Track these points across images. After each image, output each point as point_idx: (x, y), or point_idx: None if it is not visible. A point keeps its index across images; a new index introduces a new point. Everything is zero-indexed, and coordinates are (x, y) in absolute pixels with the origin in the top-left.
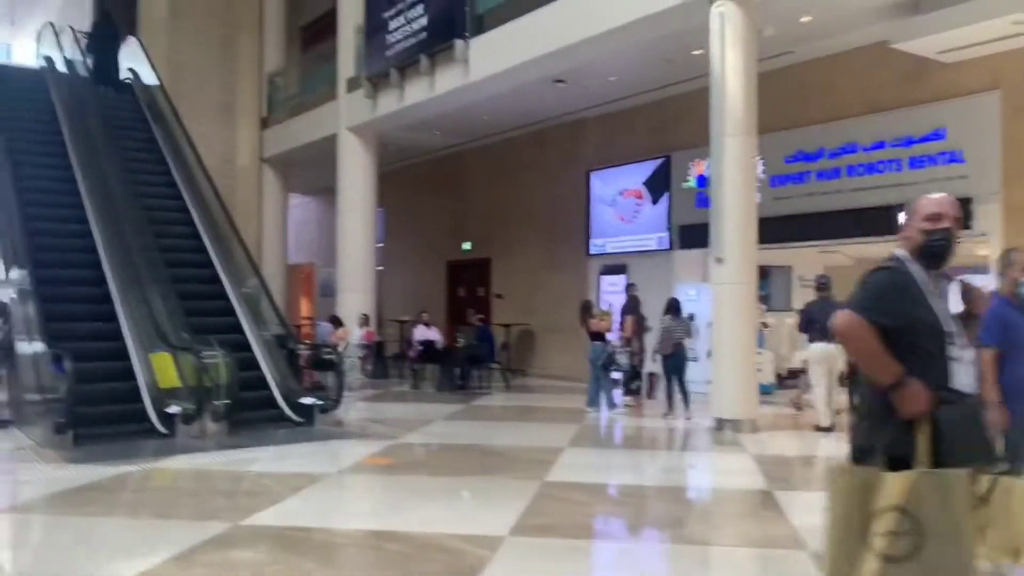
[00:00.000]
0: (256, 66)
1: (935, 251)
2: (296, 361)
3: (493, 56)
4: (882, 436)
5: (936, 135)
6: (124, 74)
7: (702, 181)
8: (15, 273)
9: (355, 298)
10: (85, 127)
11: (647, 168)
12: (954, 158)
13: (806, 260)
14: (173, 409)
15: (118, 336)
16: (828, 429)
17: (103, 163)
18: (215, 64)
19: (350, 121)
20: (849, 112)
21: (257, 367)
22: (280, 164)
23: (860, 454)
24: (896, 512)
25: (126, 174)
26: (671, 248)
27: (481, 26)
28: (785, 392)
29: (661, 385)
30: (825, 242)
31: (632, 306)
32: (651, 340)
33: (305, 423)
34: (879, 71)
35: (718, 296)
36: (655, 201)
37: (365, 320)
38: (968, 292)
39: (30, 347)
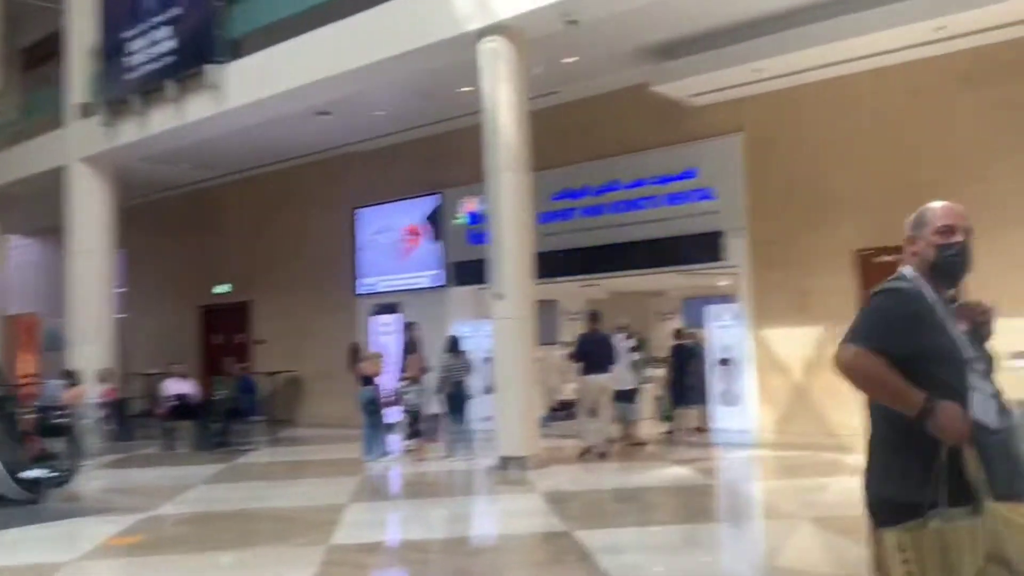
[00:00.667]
0: None
1: (949, 268)
2: (16, 427)
3: (250, 84)
4: (902, 482)
5: (689, 174)
6: None
7: (474, 218)
8: None
9: (92, 351)
10: None
11: (419, 205)
12: (706, 195)
13: (569, 294)
14: None
15: None
16: (601, 454)
17: None
18: None
19: (83, 151)
20: (611, 151)
21: None
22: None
23: (882, 507)
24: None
25: None
26: (445, 285)
27: (237, 52)
28: (558, 424)
29: (443, 426)
30: (592, 276)
31: (414, 345)
32: (432, 379)
33: (33, 501)
34: (638, 113)
35: (498, 332)
36: (428, 238)
37: (106, 375)
38: (967, 309)
39: None
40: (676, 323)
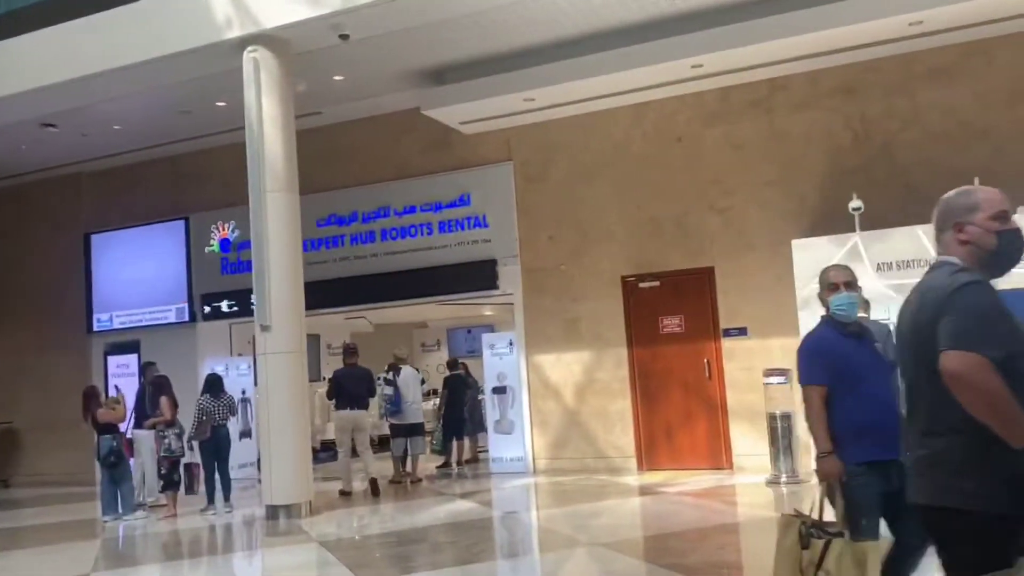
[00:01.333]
0: None
1: (1011, 255)
2: None
3: None
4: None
5: (462, 201)
6: None
7: (226, 245)
8: None
9: None
10: None
11: (163, 230)
12: (479, 223)
13: (333, 327)
14: None
15: None
16: (348, 494)
17: None
18: None
19: None
20: (382, 176)
21: None
22: None
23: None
24: None
25: None
26: (193, 320)
27: None
28: (322, 466)
29: (198, 475)
30: (359, 307)
31: (165, 386)
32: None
33: None
34: (409, 137)
35: (266, 367)
36: (171, 268)
37: None
38: None
39: None
40: (443, 354)
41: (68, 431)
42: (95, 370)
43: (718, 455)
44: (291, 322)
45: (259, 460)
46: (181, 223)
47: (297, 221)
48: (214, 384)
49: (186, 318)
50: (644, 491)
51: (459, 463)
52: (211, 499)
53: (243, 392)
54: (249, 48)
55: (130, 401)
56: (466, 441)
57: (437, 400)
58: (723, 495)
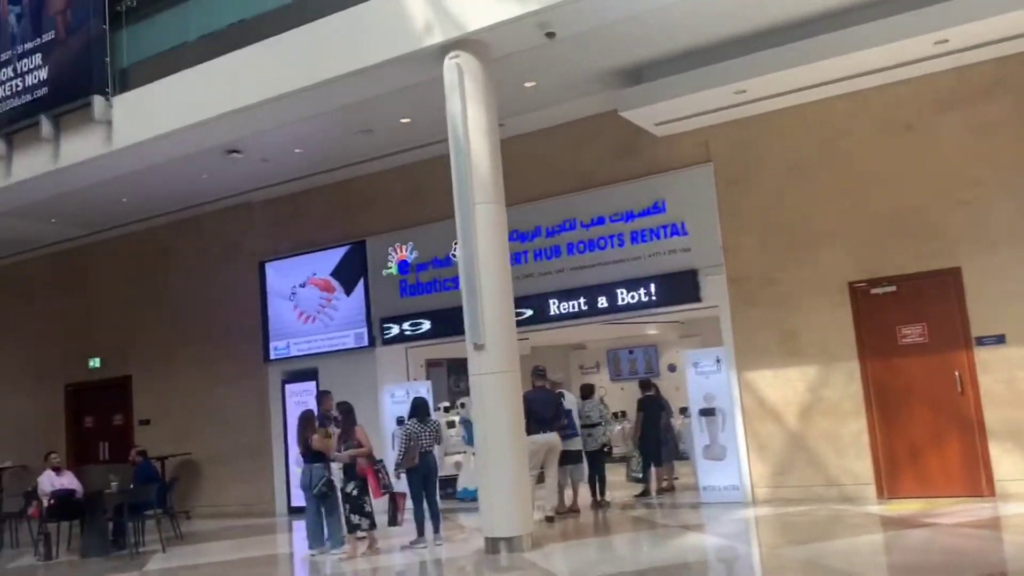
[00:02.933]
0: None
1: None
2: None
3: (146, 118)
4: None
5: (656, 208)
6: None
7: (404, 267)
8: None
9: None
10: None
11: (335, 256)
12: (676, 231)
13: None
14: None
15: None
16: (550, 519)
17: None
18: None
19: None
20: (566, 188)
21: None
22: None
23: None
24: None
25: None
26: (372, 345)
27: (126, 83)
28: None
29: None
30: (547, 326)
31: (352, 416)
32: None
33: None
34: (593, 145)
35: (479, 389)
36: (349, 292)
37: None
38: None
39: None
40: (602, 376)
41: (245, 462)
42: (272, 399)
43: (975, 480)
44: (504, 340)
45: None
46: (356, 246)
47: (505, 234)
48: (421, 408)
49: (364, 343)
50: (902, 523)
51: (659, 491)
52: (421, 531)
53: None
54: (450, 55)
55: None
56: (664, 467)
57: (626, 424)
58: (1010, 527)
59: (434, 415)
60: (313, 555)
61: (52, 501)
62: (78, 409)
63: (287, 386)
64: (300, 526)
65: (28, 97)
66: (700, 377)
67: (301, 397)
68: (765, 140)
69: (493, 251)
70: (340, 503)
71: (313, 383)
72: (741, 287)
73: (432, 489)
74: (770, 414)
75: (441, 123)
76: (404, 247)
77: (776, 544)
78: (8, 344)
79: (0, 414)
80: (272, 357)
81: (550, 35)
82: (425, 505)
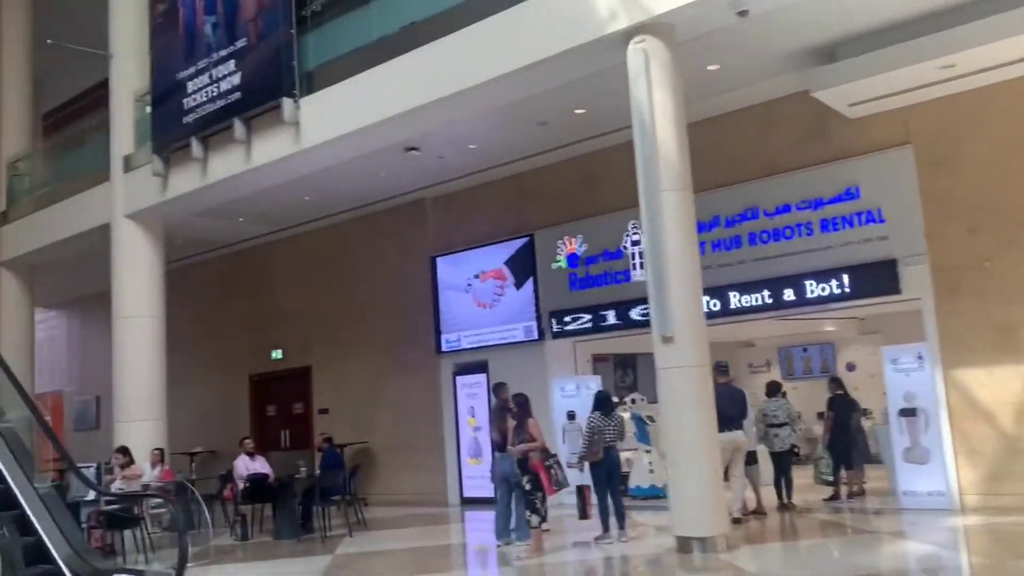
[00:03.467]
0: None
1: None
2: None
3: (330, 118)
4: None
5: (848, 194)
6: None
7: (574, 260)
8: None
9: (143, 429)
10: None
11: (506, 249)
12: (871, 218)
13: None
14: None
15: None
16: (736, 521)
17: None
18: None
19: (130, 207)
20: (747, 175)
21: (32, 533)
22: (24, 268)
23: None
24: None
25: None
26: (541, 338)
27: (311, 85)
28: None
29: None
30: (725, 320)
31: (527, 408)
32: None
33: None
34: (776, 130)
35: (667, 383)
36: (519, 285)
37: (161, 456)
38: None
39: None
40: (772, 375)
41: (419, 452)
42: (444, 390)
43: None
44: (694, 333)
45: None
46: (526, 240)
47: (693, 221)
48: (604, 402)
49: (534, 336)
50: None
51: (849, 495)
52: (606, 527)
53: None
54: (635, 39)
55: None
56: (855, 470)
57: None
58: None
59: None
60: (499, 546)
61: (247, 484)
62: (262, 398)
63: (458, 378)
64: (477, 516)
65: (222, 102)
66: (899, 375)
67: (472, 389)
68: (974, 118)
69: (681, 240)
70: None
71: (483, 375)
72: (947, 277)
73: (616, 484)
74: (982, 415)
75: (616, 111)
76: (573, 240)
77: (994, 556)
78: (200, 337)
79: (191, 403)
80: (444, 349)
81: (742, 14)
82: (609, 500)
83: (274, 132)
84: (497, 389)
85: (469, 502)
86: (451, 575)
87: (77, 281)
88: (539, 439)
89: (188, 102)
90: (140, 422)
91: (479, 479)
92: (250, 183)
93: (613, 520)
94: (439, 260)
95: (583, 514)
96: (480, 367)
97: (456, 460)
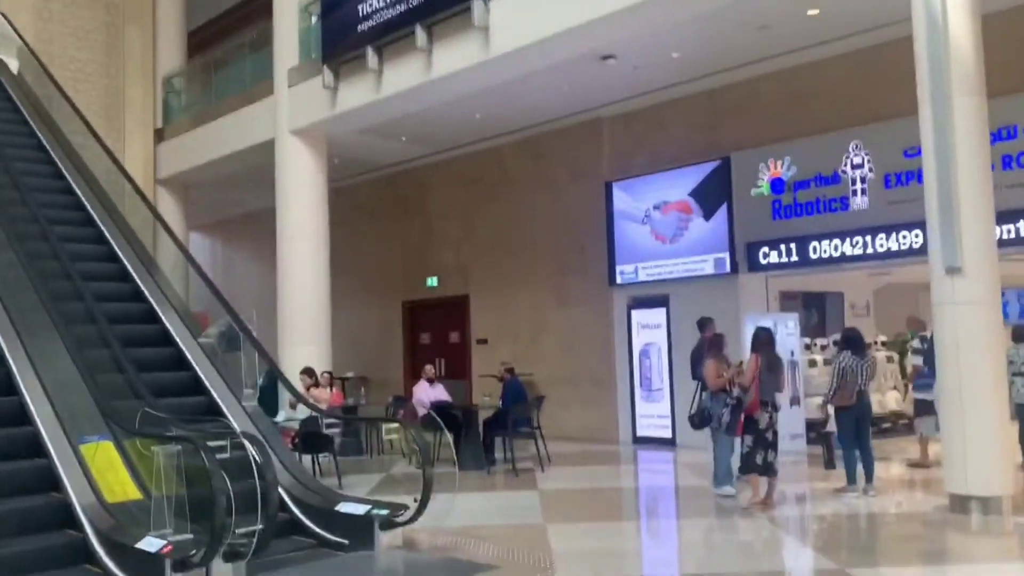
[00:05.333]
0: (148, 65)
1: None
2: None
3: (524, 23)
4: None
5: None
6: None
7: (778, 186)
8: None
9: (307, 352)
10: None
11: (695, 174)
12: None
13: (853, 283)
14: (152, 545)
15: (21, 418)
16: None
17: None
18: (96, 60)
19: (295, 122)
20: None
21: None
22: (179, 187)
23: None
24: None
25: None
26: (734, 272)
27: None
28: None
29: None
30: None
31: (715, 346)
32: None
33: (355, 547)
34: None
35: (950, 321)
36: (708, 216)
37: (330, 379)
38: None
39: None
40: None
41: (588, 387)
42: (617, 325)
43: None
44: (985, 263)
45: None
46: (720, 163)
47: (987, 134)
48: (856, 341)
49: (725, 269)
50: None
51: None
52: (851, 477)
53: (791, 354)
54: None
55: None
56: None
57: None
58: None
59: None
60: (721, 494)
61: (428, 412)
62: (415, 326)
63: (633, 312)
64: (659, 457)
65: (403, 6)
66: None
67: (648, 324)
68: None
69: (974, 154)
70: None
71: (662, 310)
72: None
73: (866, 433)
74: None
75: (854, 15)
76: (779, 163)
77: None
78: (351, 262)
79: (342, 328)
80: (618, 282)
81: None
82: (855, 449)
83: (460, 39)
84: (702, 325)
85: (642, 441)
86: (691, 521)
87: (225, 203)
88: (710, 380)
89: (363, 8)
90: (305, 345)
91: (655, 418)
92: (428, 97)
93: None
94: (615, 186)
95: (830, 463)
96: (659, 301)
97: (629, 397)
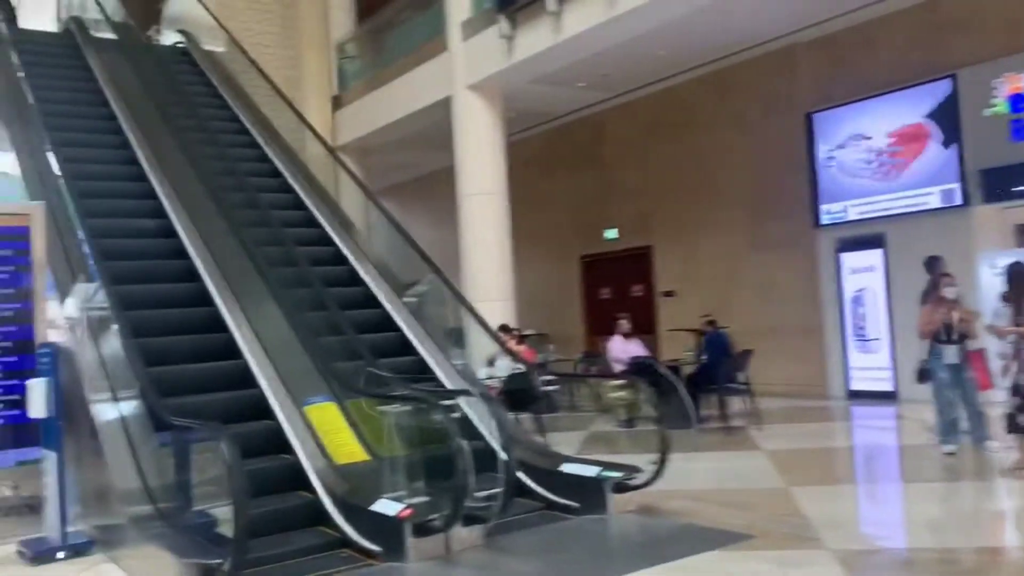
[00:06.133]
0: (322, 33)
1: None
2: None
3: None
4: None
5: None
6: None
7: (1018, 103)
8: (77, 297)
9: (492, 309)
10: (146, 99)
11: (913, 97)
12: None
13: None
14: (389, 508)
15: (245, 379)
16: None
17: (174, 141)
18: (275, 33)
19: (471, 76)
20: None
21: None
22: (357, 153)
23: None
24: None
25: (215, 153)
26: (966, 204)
27: None
28: None
29: None
30: None
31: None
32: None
33: (586, 510)
34: None
35: None
36: (946, 141)
37: (520, 338)
38: None
39: (114, 410)
40: None
41: (792, 338)
42: (824, 270)
43: None
44: None
45: None
46: (941, 84)
47: None
48: None
49: (955, 202)
50: None
51: None
52: None
53: None
54: None
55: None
56: None
57: None
58: None
59: None
60: (947, 451)
61: (627, 367)
62: (593, 281)
63: (842, 255)
64: (879, 412)
65: None
66: None
67: (861, 267)
68: None
69: None
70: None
71: (878, 251)
72: None
73: None
74: None
75: None
76: (1019, 77)
77: None
78: (524, 218)
79: (518, 285)
80: (823, 223)
81: None
82: None
83: None
84: (931, 265)
85: (857, 396)
86: (950, 486)
87: (398, 167)
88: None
89: None
90: (490, 302)
91: (872, 371)
92: (611, 35)
93: None
94: (816, 117)
95: None
96: (874, 242)
97: (841, 348)
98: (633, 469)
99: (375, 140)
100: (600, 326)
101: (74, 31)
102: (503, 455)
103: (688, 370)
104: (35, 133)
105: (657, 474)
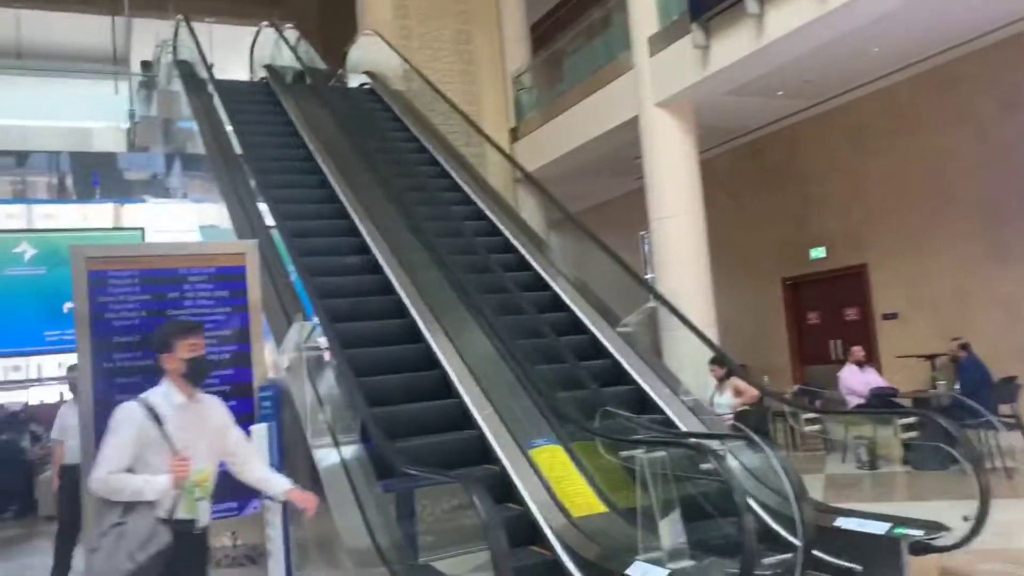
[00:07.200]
0: (498, 66)
1: None
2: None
3: None
4: None
5: None
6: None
7: None
8: (295, 336)
9: (688, 338)
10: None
11: None
12: None
13: None
14: (647, 573)
15: (463, 418)
16: None
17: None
18: (452, 69)
19: (660, 93)
20: None
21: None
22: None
23: None
24: None
25: (416, 191)
26: None
27: None
28: None
29: None
30: None
31: None
32: None
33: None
34: None
35: None
36: None
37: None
38: None
39: (335, 455)
40: None
41: None
42: None
43: None
44: None
45: None
46: None
47: None
48: None
49: None
50: None
51: None
52: None
53: None
54: None
55: None
56: None
57: None
58: None
59: None
60: None
61: (865, 401)
62: (799, 305)
63: None
64: None
65: None
66: None
67: None
68: None
69: None
70: None
71: None
72: None
73: None
74: None
75: None
76: None
77: None
78: (714, 242)
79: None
80: None
81: None
82: None
83: None
84: None
85: None
86: None
87: (575, 196)
88: None
89: None
90: (687, 331)
91: None
92: (820, 34)
93: None
94: None
95: None
96: None
97: None
98: (936, 526)
99: (552, 171)
100: (810, 355)
101: (268, 79)
102: (799, 521)
103: (943, 401)
104: (242, 180)
105: (974, 531)
